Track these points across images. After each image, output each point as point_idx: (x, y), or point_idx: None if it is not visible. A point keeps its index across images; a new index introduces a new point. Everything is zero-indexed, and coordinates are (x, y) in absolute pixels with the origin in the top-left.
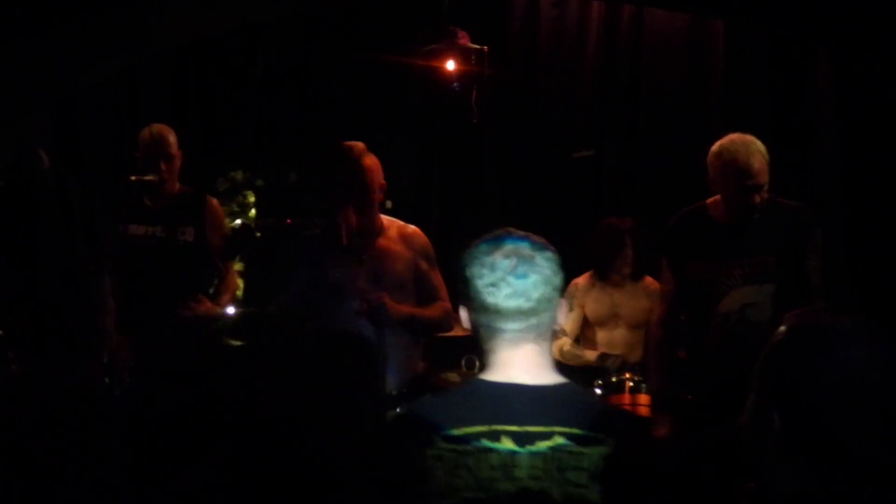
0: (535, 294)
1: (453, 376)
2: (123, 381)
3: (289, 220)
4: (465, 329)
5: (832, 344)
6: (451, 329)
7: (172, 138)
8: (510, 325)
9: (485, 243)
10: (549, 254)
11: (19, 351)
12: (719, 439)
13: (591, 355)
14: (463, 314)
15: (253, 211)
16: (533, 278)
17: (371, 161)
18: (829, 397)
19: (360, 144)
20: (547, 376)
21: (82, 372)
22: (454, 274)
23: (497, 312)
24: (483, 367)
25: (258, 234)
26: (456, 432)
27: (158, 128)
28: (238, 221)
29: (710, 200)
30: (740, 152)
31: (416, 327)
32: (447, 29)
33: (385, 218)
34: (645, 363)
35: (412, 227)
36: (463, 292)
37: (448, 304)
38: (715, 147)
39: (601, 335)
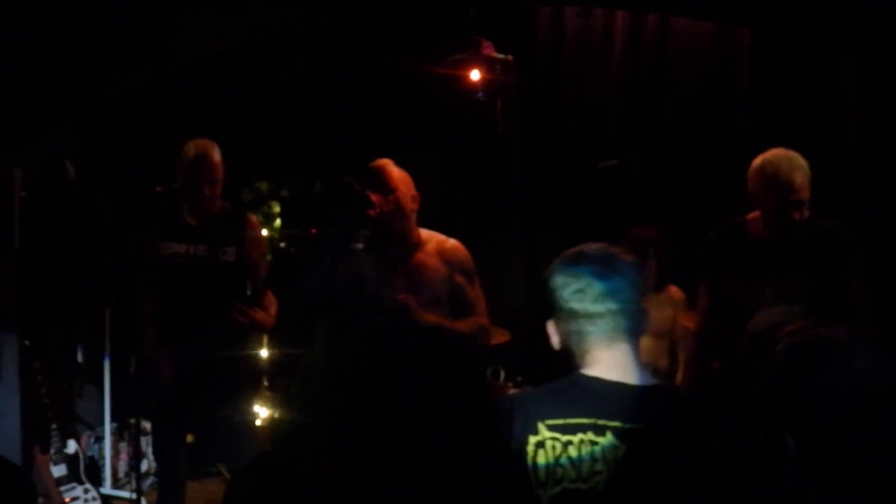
0: (622, 296)
1: None
2: (162, 394)
3: (314, 230)
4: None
5: (833, 356)
6: (486, 344)
7: (217, 157)
8: (601, 328)
9: (567, 256)
10: (629, 258)
11: (45, 360)
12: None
13: None
14: (551, 331)
15: (278, 221)
16: (617, 280)
17: (399, 174)
18: (837, 409)
19: (385, 161)
20: (643, 377)
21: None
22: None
23: (587, 317)
24: (578, 367)
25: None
26: (560, 421)
27: (204, 145)
28: (282, 244)
29: (750, 216)
30: (783, 166)
31: (443, 338)
32: (472, 39)
33: (425, 232)
34: (671, 371)
35: (452, 242)
36: (550, 306)
37: (484, 320)
38: (757, 161)
39: None
